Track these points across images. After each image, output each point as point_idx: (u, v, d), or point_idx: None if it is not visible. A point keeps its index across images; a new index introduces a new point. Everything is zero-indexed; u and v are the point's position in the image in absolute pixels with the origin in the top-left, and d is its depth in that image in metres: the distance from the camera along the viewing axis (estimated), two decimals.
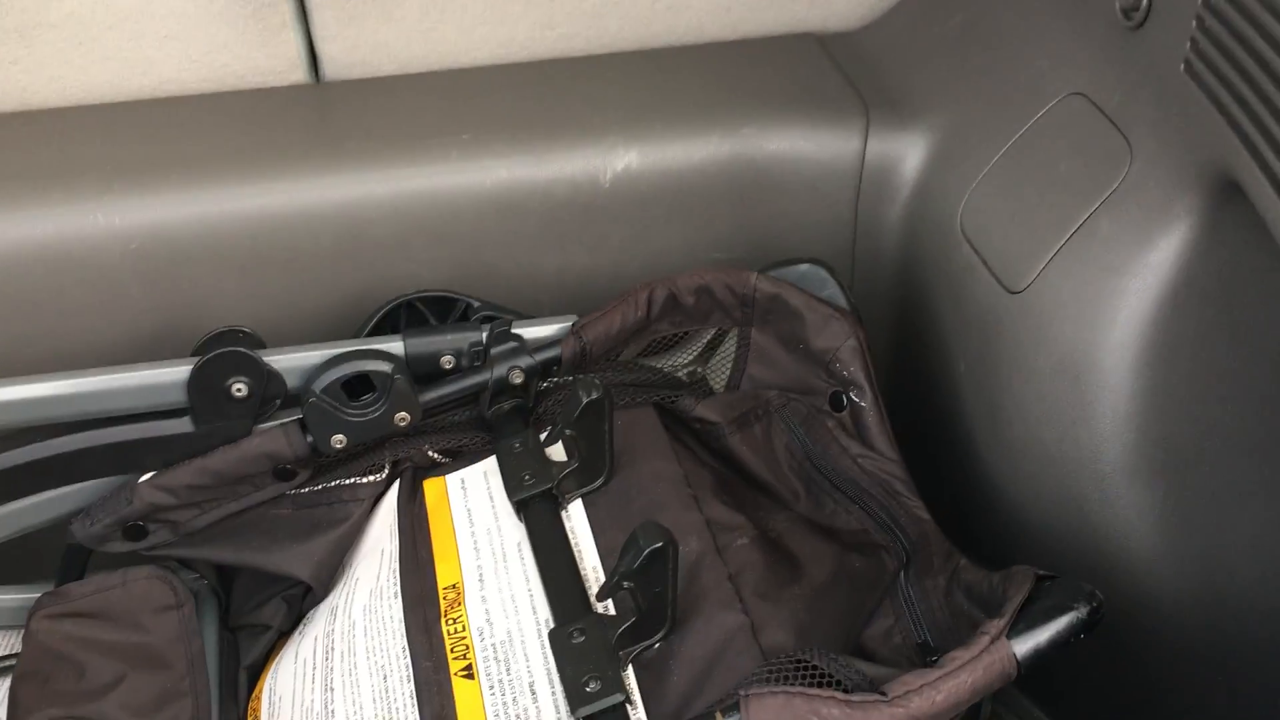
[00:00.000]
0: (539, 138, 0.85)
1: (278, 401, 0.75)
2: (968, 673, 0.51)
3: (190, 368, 0.72)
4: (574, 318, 0.78)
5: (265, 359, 0.73)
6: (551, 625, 0.63)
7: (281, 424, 0.73)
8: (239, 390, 0.73)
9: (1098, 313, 0.68)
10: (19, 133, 0.85)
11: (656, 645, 0.60)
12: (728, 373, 0.81)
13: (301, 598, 0.75)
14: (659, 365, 0.83)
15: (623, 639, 0.59)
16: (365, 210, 0.83)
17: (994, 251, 0.76)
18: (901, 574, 0.67)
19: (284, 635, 0.75)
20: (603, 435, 0.69)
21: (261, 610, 0.75)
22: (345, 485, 0.75)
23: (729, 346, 0.81)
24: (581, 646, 0.59)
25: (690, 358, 0.83)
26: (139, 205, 0.80)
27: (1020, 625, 0.53)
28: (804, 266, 0.79)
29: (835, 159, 0.86)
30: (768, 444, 0.76)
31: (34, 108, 0.87)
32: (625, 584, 0.58)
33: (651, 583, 0.58)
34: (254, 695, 0.72)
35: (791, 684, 0.53)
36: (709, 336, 0.82)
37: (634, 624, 0.59)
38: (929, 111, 0.85)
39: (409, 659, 0.62)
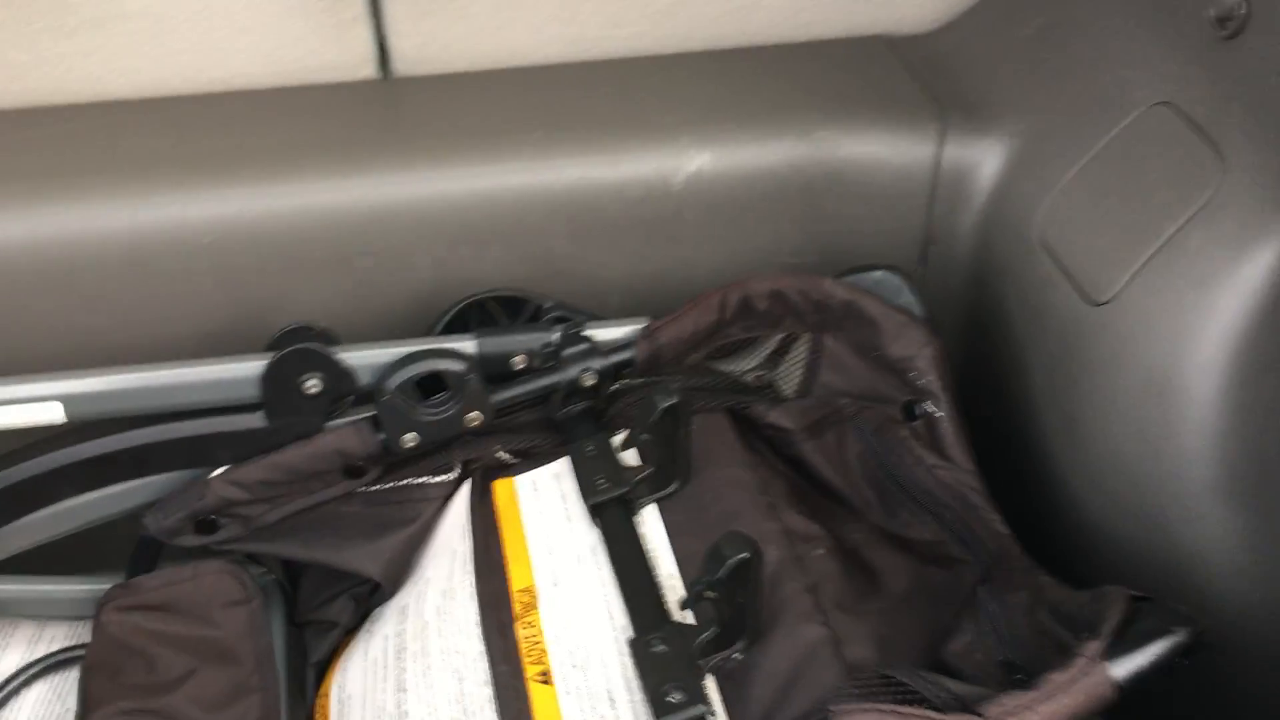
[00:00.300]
0: (611, 138, 0.84)
1: (350, 398, 0.75)
2: (1067, 696, 0.50)
3: (264, 363, 0.72)
4: (645, 320, 0.78)
5: (338, 356, 0.73)
6: (628, 632, 0.62)
7: (353, 421, 0.73)
8: (312, 387, 0.73)
9: (1186, 328, 0.67)
10: (95, 124, 0.85)
11: (738, 657, 0.59)
12: (798, 379, 0.80)
13: (368, 595, 0.75)
14: (726, 369, 0.82)
15: (704, 649, 0.59)
16: (436, 208, 0.83)
17: (1075, 263, 0.74)
18: (981, 589, 0.66)
19: (349, 632, 0.75)
20: (678, 441, 0.69)
21: (329, 607, 0.75)
22: (415, 485, 0.75)
23: (799, 352, 0.80)
24: (663, 656, 0.59)
25: (757, 362, 0.83)
26: (215, 199, 0.80)
27: (1117, 648, 0.52)
28: (879, 273, 0.78)
29: (909, 164, 0.85)
30: (840, 452, 0.75)
31: (107, 99, 0.87)
32: (708, 594, 0.57)
33: (734, 593, 0.57)
34: (321, 693, 0.72)
35: (881, 701, 0.52)
36: (776, 341, 0.81)
37: (716, 634, 0.59)
38: (1006, 117, 0.84)
39: (487, 662, 0.62)
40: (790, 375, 0.81)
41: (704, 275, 0.87)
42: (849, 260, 0.85)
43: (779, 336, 0.80)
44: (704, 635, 0.59)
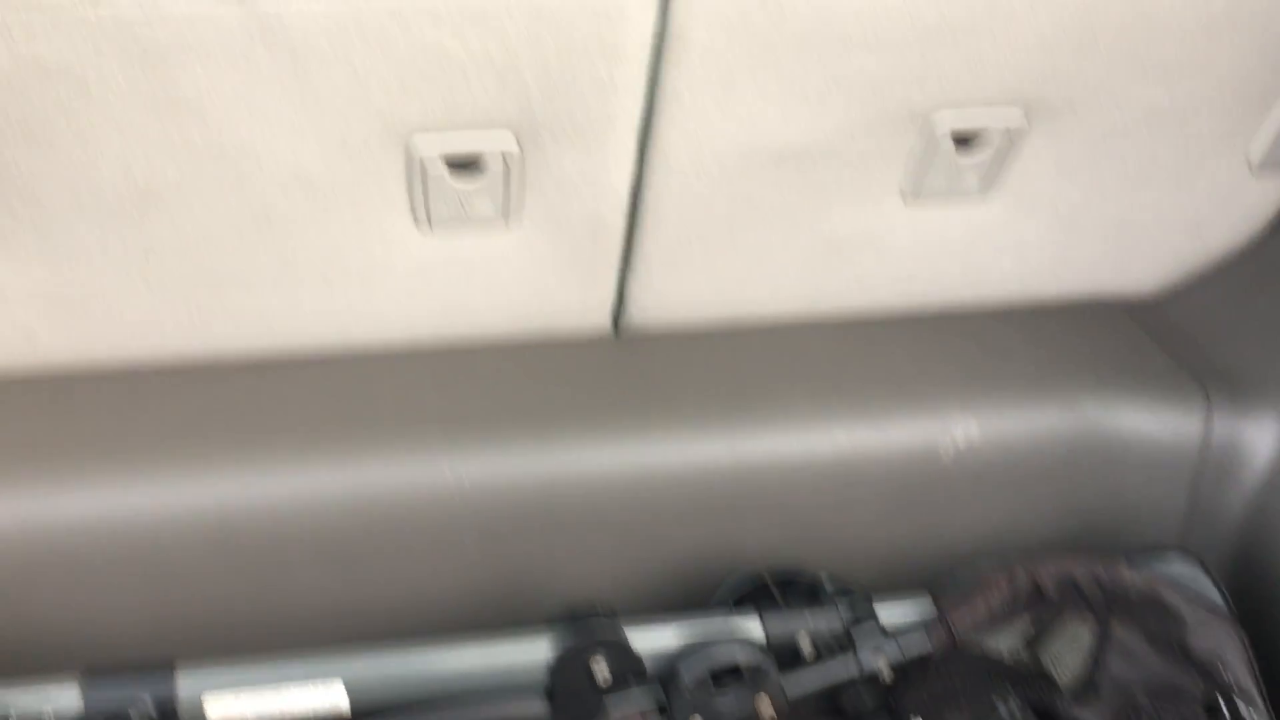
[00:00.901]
0: (876, 403, 0.83)
1: (631, 679, 0.71)
2: None
3: (553, 647, 0.69)
4: (920, 592, 0.75)
5: (630, 642, 0.69)
6: None
7: (641, 712, 0.69)
8: (602, 675, 0.69)
9: None
10: (347, 377, 0.83)
11: None
12: (1079, 665, 0.77)
13: None
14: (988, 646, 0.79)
15: None
16: (699, 475, 0.81)
17: None
18: None
19: None
20: None
21: None
22: None
23: (1078, 636, 0.77)
24: None
25: (1015, 641, 0.79)
26: (478, 458, 0.78)
27: None
28: (1173, 559, 0.75)
29: (1175, 440, 0.83)
30: None
31: (359, 351, 0.85)
32: None
33: None
34: None
35: None
36: (1035, 620, 0.78)
37: None
38: None
39: None
40: (1066, 659, 0.78)
41: (966, 543, 0.84)
42: (1107, 532, 0.83)
43: (1033, 615, 0.77)
44: None
